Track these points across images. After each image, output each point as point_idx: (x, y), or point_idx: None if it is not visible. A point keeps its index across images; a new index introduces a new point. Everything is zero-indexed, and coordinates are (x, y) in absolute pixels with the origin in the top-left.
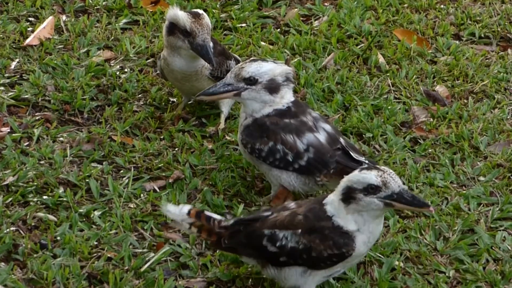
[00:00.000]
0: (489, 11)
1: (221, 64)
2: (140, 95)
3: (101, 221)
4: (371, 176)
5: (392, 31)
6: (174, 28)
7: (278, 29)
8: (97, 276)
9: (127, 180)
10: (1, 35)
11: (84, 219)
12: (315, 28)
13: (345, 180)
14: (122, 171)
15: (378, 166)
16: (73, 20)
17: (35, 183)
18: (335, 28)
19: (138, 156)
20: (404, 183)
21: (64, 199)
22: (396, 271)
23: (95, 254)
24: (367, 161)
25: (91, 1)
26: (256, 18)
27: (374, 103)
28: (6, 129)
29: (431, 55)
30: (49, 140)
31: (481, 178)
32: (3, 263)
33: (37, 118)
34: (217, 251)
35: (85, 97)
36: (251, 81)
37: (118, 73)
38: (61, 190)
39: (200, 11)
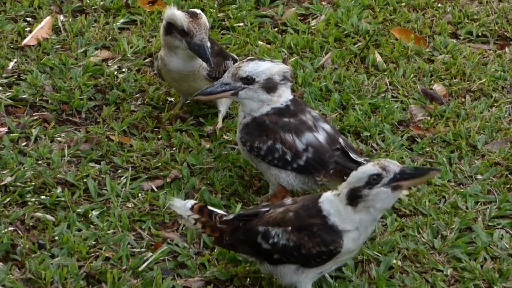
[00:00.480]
0: (486, 10)
1: (219, 65)
2: (137, 95)
3: (99, 220)
4: (369, 167)
5: (389, 30)
6: (172, 28)
7: (276, 29)
8: (95, 276)
9: (125, 180)
10: None
11: (82, 219)
12: (313, 27)
13: (345, 185)
14: (120, 170)
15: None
16: (70, 20)
17: (33, 183)
18: (333, 27)
19: (136, 156)
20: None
21: (62, 199)
22: (394, 270)
23: (93, 254)
24: (365, 162)
25: (88, 1)
26: (254, 18)
27: (372, 102)
28: (4, 129)
29: (429, 54)
30: (47, 140)
31: (479, 177)
32: (1, 263)
33: (35, 118)
34: (215, 250)
35: (83, 97)
36: (249, 80)
37: (115, 73)
38: (59, 190)
39: (198, 11)
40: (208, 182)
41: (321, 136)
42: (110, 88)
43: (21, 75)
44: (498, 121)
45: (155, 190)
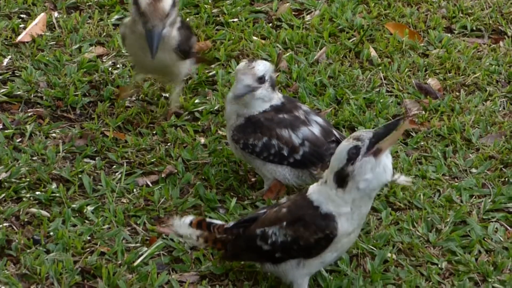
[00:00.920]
0: (480, 4)
1: (187, 38)
2: (132, 91)
3: (94, 216)
4: (344, 145)
5: (384, 25)
6: (136, 2)
7: (270, 24)
8: (90, 271)
9: (119, 175)
10: None
11: (77, 215)
12: (307, 23)
13: (329, 172)
14: (114, 166)
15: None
16: (65, 16)
17: (28, 179)
18: (327, 22)
19: (131, 151)
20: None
21: (57, 194)
22: (389, 263)
23: (88, 249)
24: None
25: None
26: (248, 13)
27: (366, 97)
28: None
29: (423, 48)
30: (41, 136)
31: (473, 170)
32: None
33: (29, 114)
34: None
35: (77, 93)
36: (261, 79)
37: (110, 69)
38: (54, 185)
39: None
40: (203, 177)
41: (315, 129)
42: (104, 84)
43: (15, 71)
44: (492, 115)
45: (150, 185)
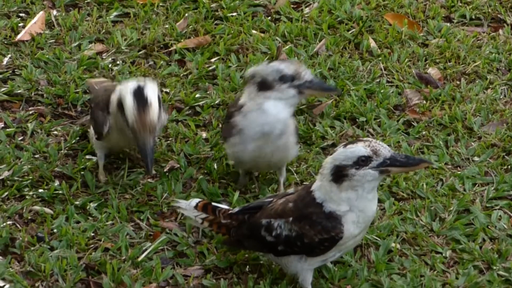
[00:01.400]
0: None
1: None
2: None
3: (97, 212)
4: (359, 148)
5: (383, 16)
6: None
7: (269, 17)
8: (94, 267)
9: (122, 172)
10: None
11: (81, 211)
12: (306, 15)
13: (330, 161)
14: (117, 162)
15: (360, 138)
16: (63, 14)
17: (31, 177)
18: (326, 14)
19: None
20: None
21: (60, 192)
22: (393, 253)
23: (92, 245)
24: None
25: None
26: (247, 7)
27: (367, 88)
28: (0, 124)
29: (423, 38)
30: (43, 134)
31: (476, 159)
32: (0, 257)
33: (30, 112)
34: (214, 239)
35: (78, 90)
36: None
37: (110, 65)
38: (57, 183)
39: (149, 98)
40: (206, 171)
41: None
42: None
43: (15, 70)
44: (493, 103)
45: (152, 181)
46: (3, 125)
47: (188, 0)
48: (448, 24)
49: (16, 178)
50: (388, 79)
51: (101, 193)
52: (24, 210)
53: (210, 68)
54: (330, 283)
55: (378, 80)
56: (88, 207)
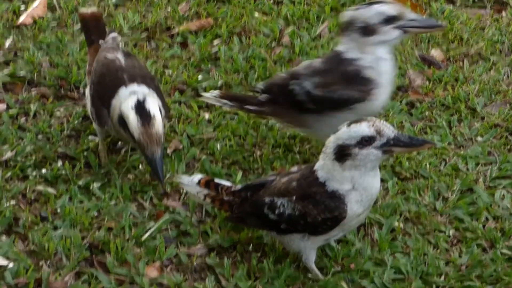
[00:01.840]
0: None
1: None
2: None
3: (100, 192)
4: (363, 128)
5: None
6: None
7: (272, 0)
8: (98, 246)
9: (125, 151)
10: None
11: (84, 191)
12: None
13: (333, 140)
14: (120, 143)
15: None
16: None
17: (34, 158)
18: None
19: None
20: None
21: (63, 172)
22: (396, 232)
23: (95, 225)
24: None
25: None
26: None
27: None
28: (2, 106)
29: None
30: (46, 115)
31: (479, 139)
32: (4, 236)
33: (33, 94)
34: (217, 218)
35: (80, 72)
36: None
37: None
38: (60, 163)
39: (152, 112)
40: (209, 152)
41: None
42: None
43: (17, 53)
44: (496, 84)
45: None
46: (5, 107)
47: None
48: (451, 6)
49: (19, 158)
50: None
51: (104, 173)
52: (27, 190)
53: (213, 50)
54: (334, 262)
55: None
56: (91, 187)
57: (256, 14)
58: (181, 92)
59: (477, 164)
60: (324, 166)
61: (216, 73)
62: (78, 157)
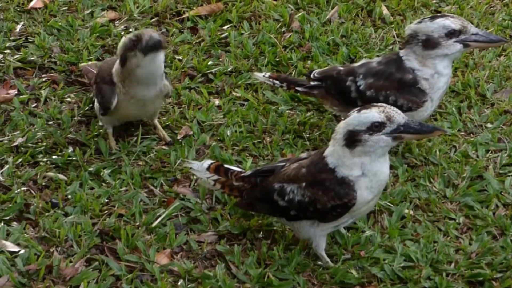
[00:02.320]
0: None
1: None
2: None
3: (111, 179)
4: (373, 114)
5: None
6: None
7: None
8: (109, 233)
9: (135, 138)
10: None
11: (94, 178)
12: None
13: (343, 126)
14: (130, 129)
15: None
16: None
17: (44, 144)
18: None
19: None
20: None
21: (74, 158)
22: (406, 219)
23: (106, 211)
24: None
25: None
26: None
27: (379, 55)
28: (13, 91)
29: (435, 5)
30: (56, 101)
31: (489, 125)
32: (15, 223)
33: (43, 79)
34: (227, 205)
35: (90, 57)
36: None
37: (123, 33)
38: (70, 149)
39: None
40: (219, 138)
41: None
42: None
43: (28, 37)
44: (507, 70)
45: (166, 148)
46: (16, 92)
47: None
48: None
49: (30, 144)
50: (401, 47)
51: (114, 160)
52: (38, 177)
53: (223, 35)
54: (344, 249)
55: (390, 47)
56: (101, 174)
57: None
58: (191, 78)
59: (487, 151)
60: (334, 152)
61: (226, 58)
62: (88, 143)
